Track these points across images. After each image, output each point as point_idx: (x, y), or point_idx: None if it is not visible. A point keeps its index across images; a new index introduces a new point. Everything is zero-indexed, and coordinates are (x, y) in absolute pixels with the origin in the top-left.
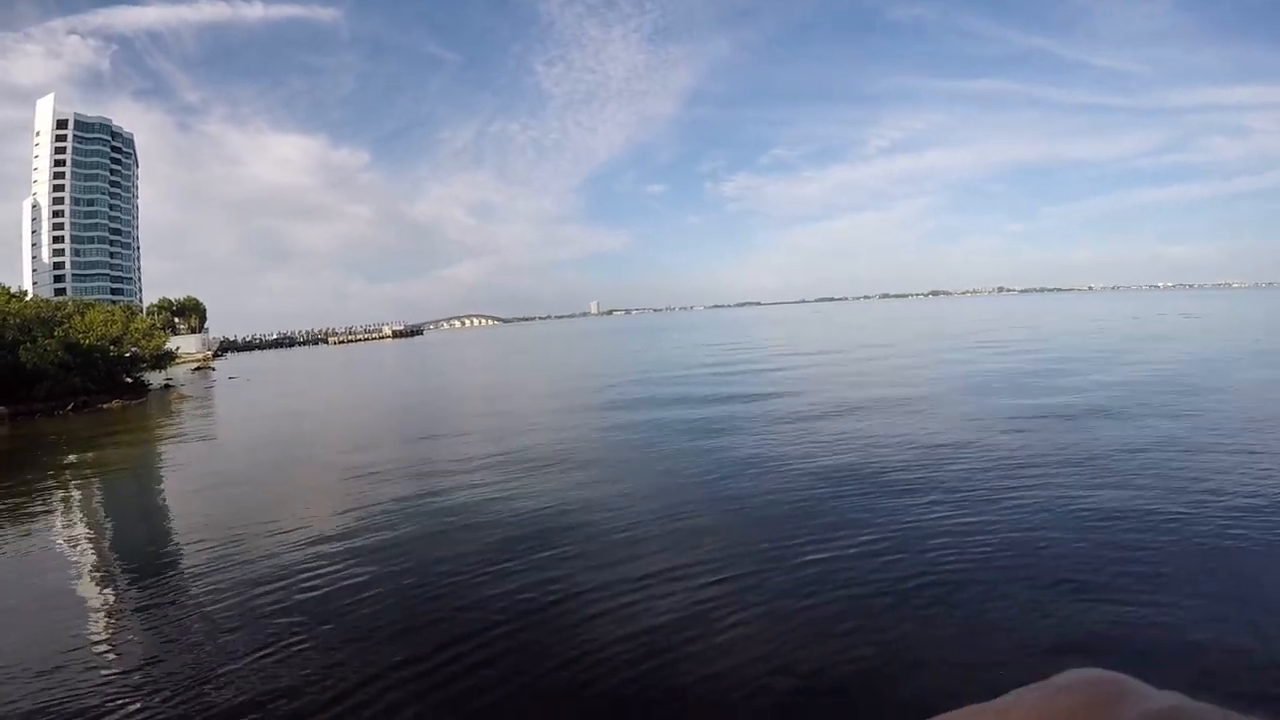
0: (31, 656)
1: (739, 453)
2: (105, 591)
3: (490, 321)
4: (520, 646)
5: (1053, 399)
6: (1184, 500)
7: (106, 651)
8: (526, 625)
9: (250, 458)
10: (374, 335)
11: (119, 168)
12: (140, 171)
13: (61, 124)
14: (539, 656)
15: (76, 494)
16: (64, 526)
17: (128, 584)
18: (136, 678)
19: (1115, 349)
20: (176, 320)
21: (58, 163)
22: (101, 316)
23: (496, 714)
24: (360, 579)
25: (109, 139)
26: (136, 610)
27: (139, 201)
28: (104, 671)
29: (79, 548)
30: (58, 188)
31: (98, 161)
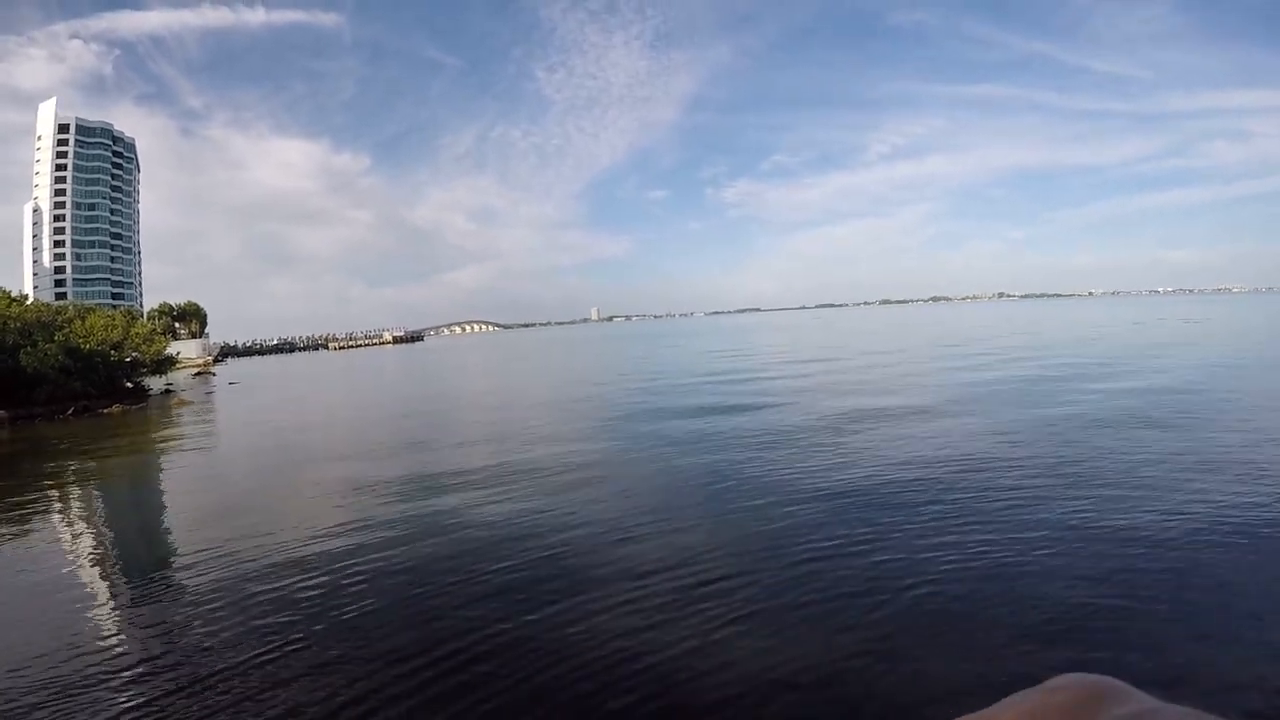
0: (32, 659)
1: (739, 461)
2: (105, 595)
3: (491, 327)
4: (518, 649)
5: (1054, 409)
6: (1179, 508)
7: (107, 654)
8: (525, 627)
9: (250, 463)
10: (374, 341)
11: (120, 172)
12: (142, 176)
13: (63, 128)
14: (537, 659)
15: (77, 498)
16: (64, 530)
17: (128, 588)
18: (137, 681)
19: (1118, 356)
20: (177, 325)
21: (59, 167)
22: (102, 321)
23: (494, 717)
24: (359, 582)
25: (110, 143)
26: (137, 614)
27: (140, 206)
28: (104, 674)
29: (80, 552)
30: (59, 192)
31: (99, 166)
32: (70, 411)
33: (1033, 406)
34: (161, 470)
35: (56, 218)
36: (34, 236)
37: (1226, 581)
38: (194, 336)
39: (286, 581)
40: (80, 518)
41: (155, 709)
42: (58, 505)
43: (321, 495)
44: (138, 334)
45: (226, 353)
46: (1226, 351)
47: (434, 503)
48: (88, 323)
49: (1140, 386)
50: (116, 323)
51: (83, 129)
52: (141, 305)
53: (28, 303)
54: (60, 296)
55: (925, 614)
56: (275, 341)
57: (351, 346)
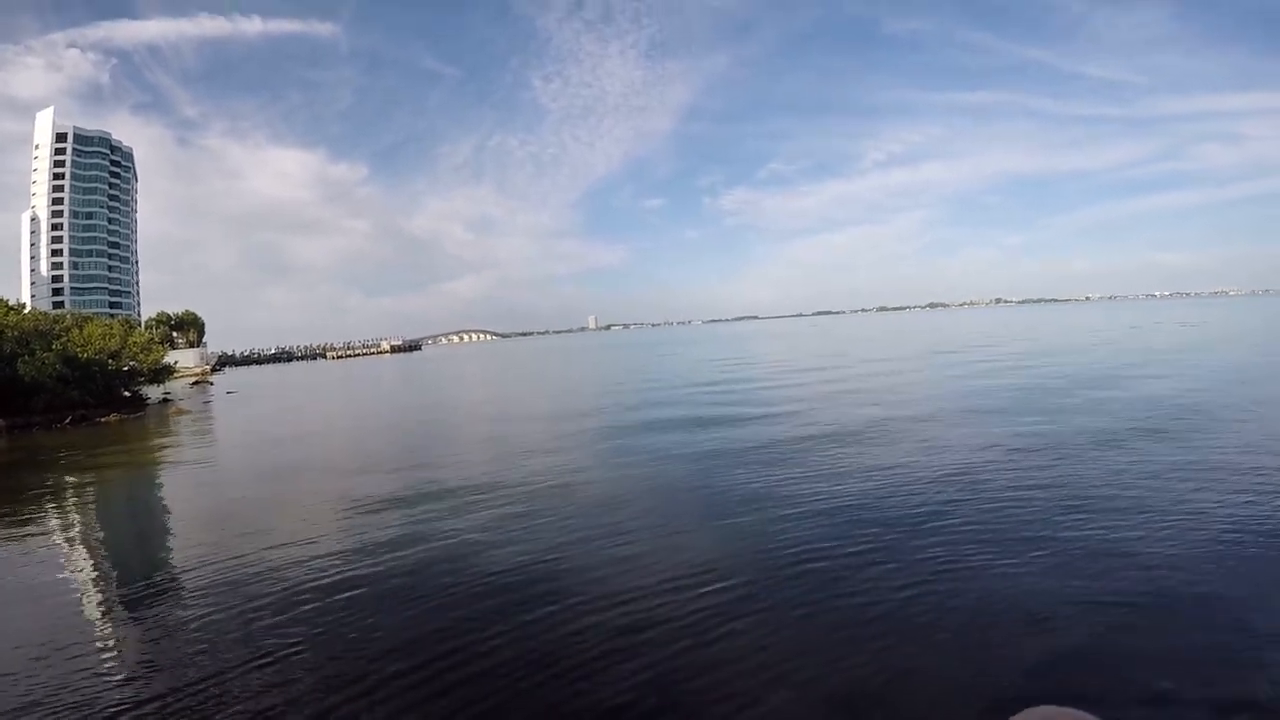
0: (30, 667)
1: (735, 469)
2: (103, 604)
3: (488, 336)
4: (516, 650)
5: (1052, 417)
6: (1178, 521)
7: (105, 663)
8: (522, 629)
9: (248, 472)
10: (372, 350)
11: (118, 181)
12: (139, 185)
13: (61, 137)
14: (535, 661)
15: (75, 508)
16: (63, 540)
17: (126, 596)
18: (135, 688)
19: (1116, 362)
20: (175, 334)
21: (57, 176)
22: (100, 330)
23: (493, 717)
24: (357, 588)
25: (108, 152)
26: (135, 621)
27: (137, 215)
28: (102, 683)
29: (78, 561)
30: (56, 201)
31: (96, 175)
32: (68, 420)
33: (1031, 415)
34: (159, 479)
35: (54, 226)
36: (31, 245)
37: (1231, 598)
38: (191, 345)
39: (285, 588)
40: (78, 527)
41: (154, 714)
42: (56, 515)
43: (319, 503)
44: (135, 343)
45: (224, 362)
46: (1227, 356)
47: (431, 510)
48: (85, 332)
49: (1138, 396)
50: (114, 331)
51: (80, 138)
52: (139, 314)
53: (25, 311)
54: (58, 305)
55: (920, 621)
56: (273, 351)
57: (349, 356)
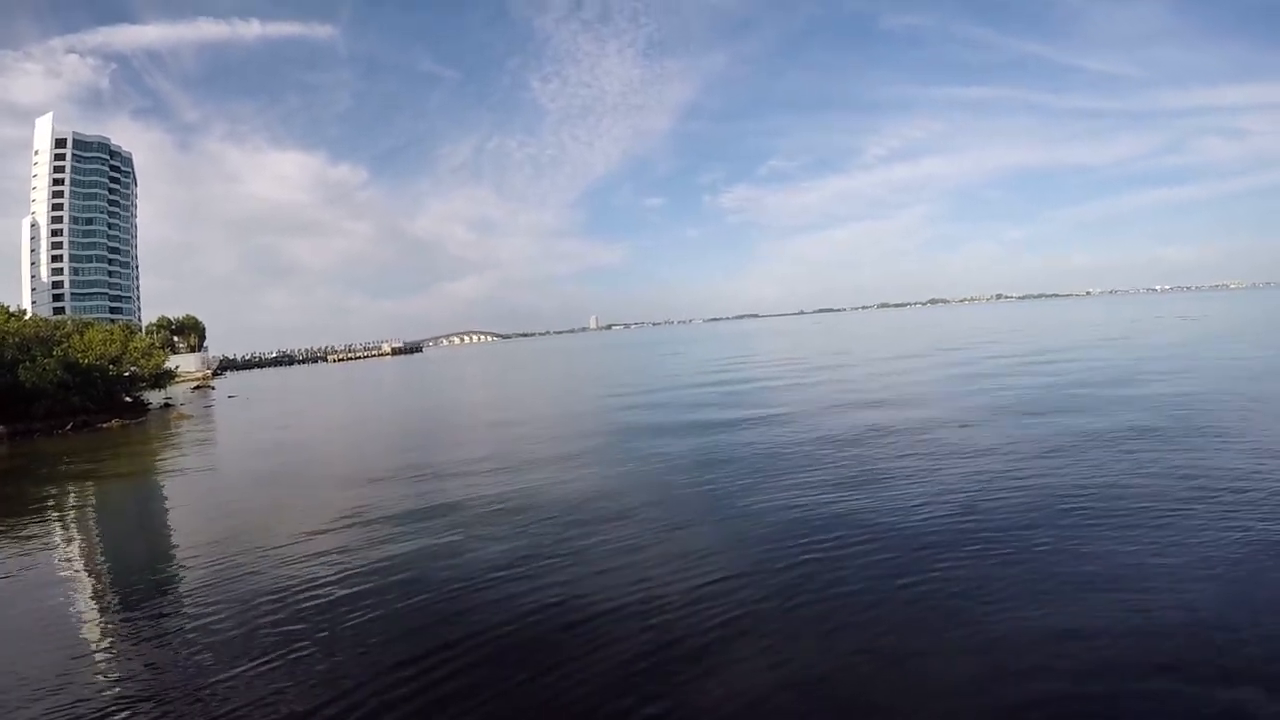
0: (33, 672)
1: (739, 472)
2: (106, 608)
3: (490, 337)
4: (520, 650)
5: (1054, 414)
6: (1176, 499)
7: (107, 666)
8: (526, 629)
9: (250, 476)
10: (374, 353)
11: (117, 186)
12: (139, 190)
13: (60, 143)
14: (538, 659)
15: (76, 513)
16: (64, 545)
17: (129, 600)
18: (138, 691)
19: (1124, 359)
20: (176, 339)
21: (56, 181)
22: (100, 335)
23: (497, 716)
24: (361, 591)
25: (107, 158)
26: (137, 625)
27: (138, 220)
28: (105, 686)
29: (80, 566)
30: (56, 206)
31: (96, 180)
32: (69, 426)
33: (1033, 412)
34: (161, 485)
35: (54, 232)
36: (31, 251)
37: (1244, 605)
38: (192, 350)
39: (288, 589)
40: (81, 533)
41: (157, 715)
42: (58, 521)
43: (321, 506)
44: (136, 348)
45: (225, 366)
46: (1227, 351)
47: (434, 510)
48: (86, 337)
49: (1147, 394)
50: (115, 337)
51: (80, 143)
52: (140, 319)
53: (26, 318)
54: (58, 311)
55: (922, 616)
56: (274, 354)
57: (351, 358)
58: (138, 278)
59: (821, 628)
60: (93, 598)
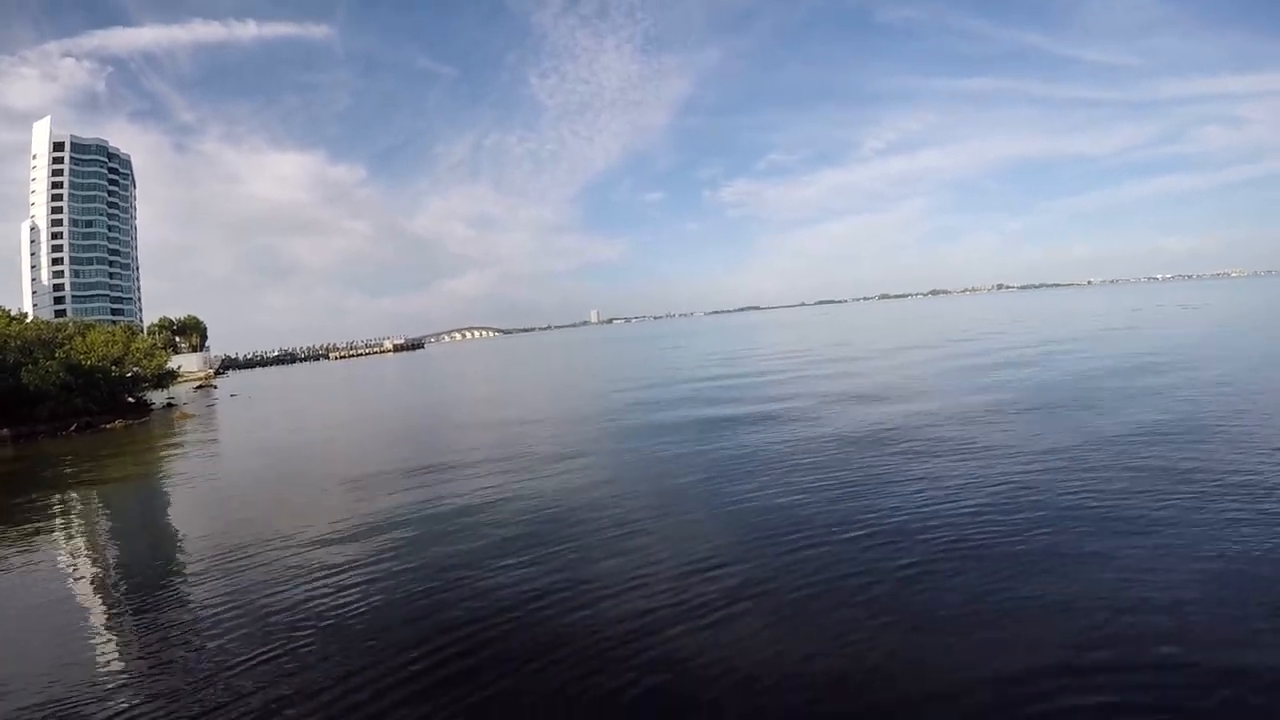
0: (42, 671)
1: (743, 466)
2: (113, 603)
3: (491, 333)
4: (526, 640)
5: (1057, 401)
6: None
7: (116, 658)
8: (532, 620)
9: (254, 473)
10: (375, 350)
11: (116, 189)
12: (138, 192)
13: (58, 146)
14: (544, 643)
15: (81, 514)
16: (71, 546)
17: (135, 595)
18: (145, 688)
19: (1126, 350)
20: (177, 339)
21: (55, 185)
22: (102, 337)
23: (506, 699)
24: (366, 582)
25: (106, 160)
26: (144, 623)
27: (137, 222)
28: (113, 677)
29: (86, 567)
30: (56, 210)
31: (95, 183)
32: (73, 428)
33: (1036, 401)
34: (165, 484)
35: (54, 235)
36: (32, 255)
37: (1238, 591)
38: (194, 350)
39: (293, 585)
40: (86, 533)
41: (166, 710)
42: (63, 522)
43: (326, 502)
44: (138, 349)
45: (227, 365)
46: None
47: (437, 508)
48: (88, 339)
49: (1145, 386)
50: (117, 338)
51: (78, 147)
52: (141, 320)
53: (27, 321)
54: (60, 314)
55: (920, 599)
56: (276, 353)
57: (352, 355)
58: (138, 279)
59: (820, 610)
60: (100, 593)
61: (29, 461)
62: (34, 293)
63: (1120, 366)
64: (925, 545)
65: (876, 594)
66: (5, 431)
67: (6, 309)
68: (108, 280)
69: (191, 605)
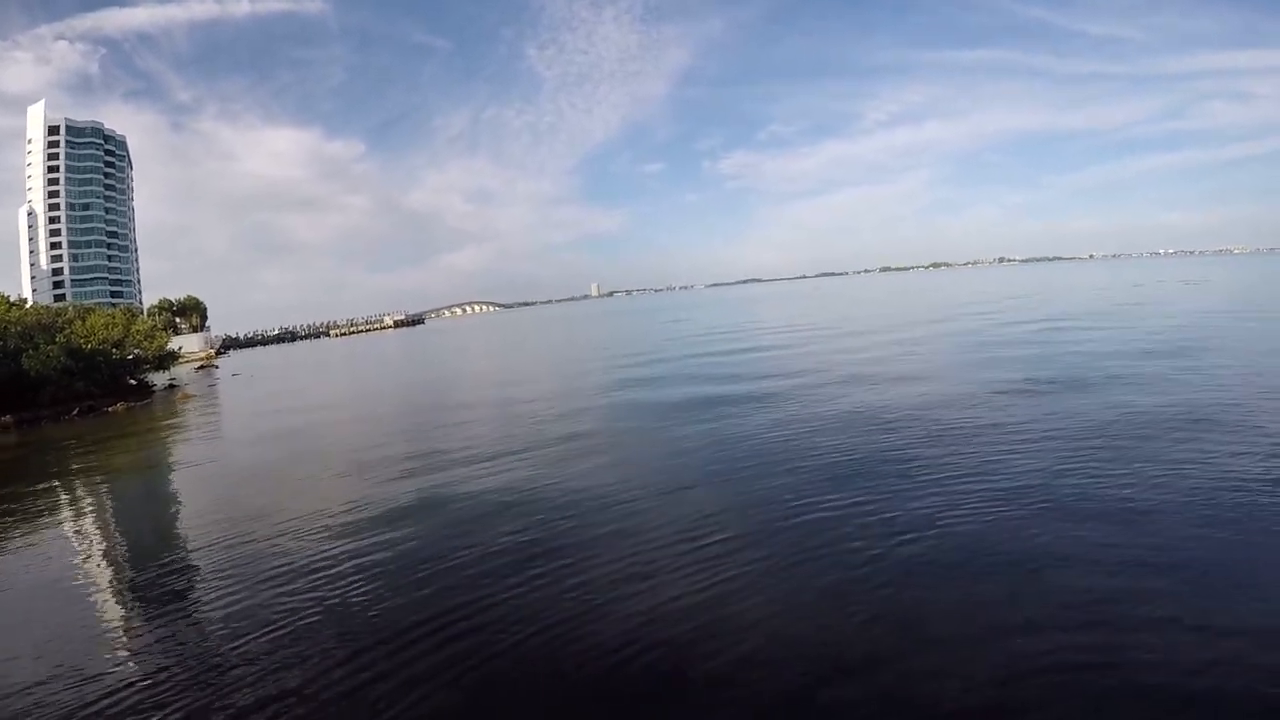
0: (49, 648)
1: (748, 445)
2: (118, 587)
3: (491, 308)
4: (527, 609)
5: (1061, 375)
6: (1190, 481)
7: (120, 639)
8: (533, 590)
9: (257, 454)
10: (375, 326)
11: (113, 171)
12: (134, 173)
13: (53, 130)
14: (546, 619)
15: (86, 498)
16: (74, 529)
17: (139, 578)
18: (150, 663)
19: (1121, 321)
20: (177, 320)
21: (51, 169)
22: (102, 320)
23: (509, 672)
24: (370, 561)
25: (101, 143)
26: (149, 601)
27: (134, 203)
28: (118, 660)
29: (91, 548)
30: (52, 194)
31: (91, 166)
32: (75, 412)
33: (1034, 376)
34: (168, 466)
35: (51, 220)
36: (30, 240)
37: (1246, 569)
38: (195, 330)
39: (298, 562)
40: (90, 516)
41: (171, 701)
42: (67, 506)
43: (329, 480)
44: (138, 331)
45: (228, 345)
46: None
47: (442, 486)
48: (88, 323)
49: (1139, 369)
50: (117, 321)
51: (73, 130)
52: (141, 302)
53: (27, 306)
54: (59, 298)
55: (922, 573)
56: (276, 331)
57: (353, 332)
58: (137, 261)
59: (814, 574)
60: (105, 574)
61: (32, 447)
62: (33, 278)
63: (1124, 349)
64: (922, 516)
65: (873, 560)
66: (8, 417)
67: (6, 295)
68: (106, 263)
69: (196, 584)
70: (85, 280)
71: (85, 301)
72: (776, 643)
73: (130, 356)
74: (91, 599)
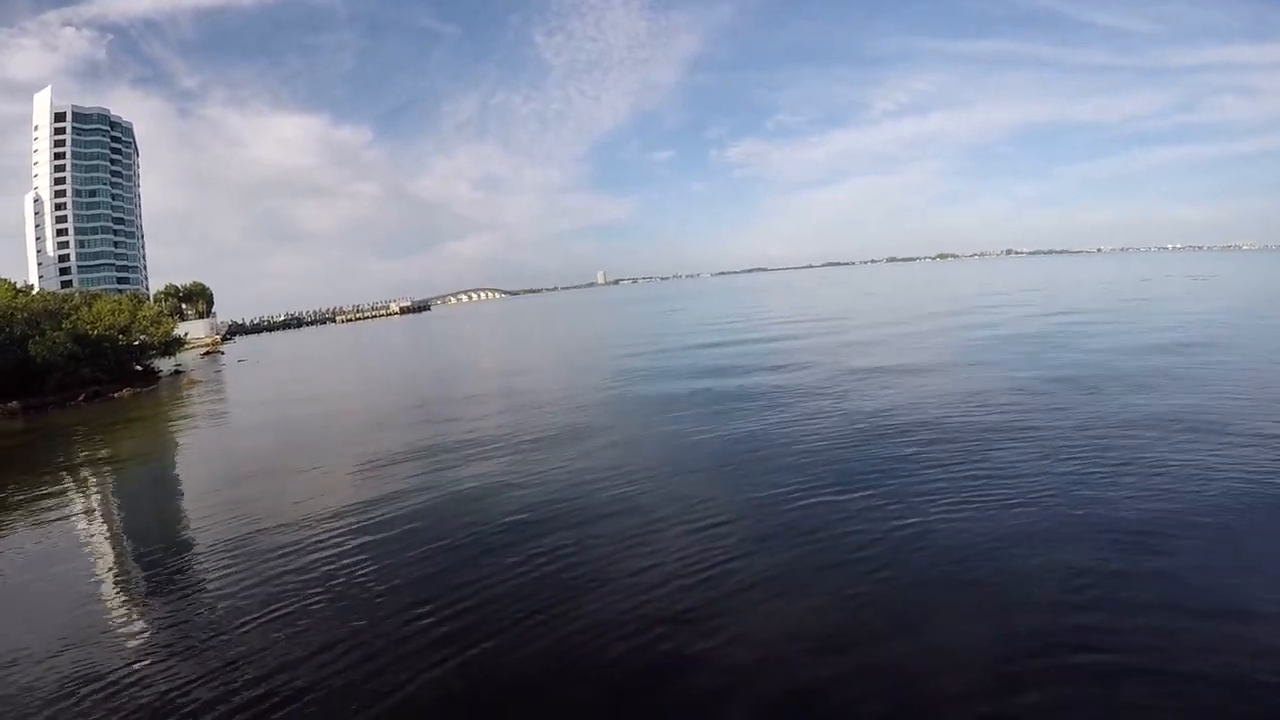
0: (56, 633)
1: (753, 433)
2: (124, 572)
3: (497, 295)
4: (530, 591)
5: (1075, 373)
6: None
7: (127, 626)
8: (535, 572)
9: (262, 439)
10: (382, 313)
11: (119, 157)
12: (141, 159)
13: (60, 116)
14: (547, 601)
15: (92, 483)
16: (80, 514)
17: (146, 563)
18: (157, 647)
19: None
20: (184, 306)
21: (58, 155)
22: (109, 306)
23: (510, 658)
24: (375, 542)
25: (108, 129)
26: (155, 586)
27: (141, 189)
28: (125, 643)
29: (98, 536)
30: (59, 180)
31: (98, 152)
32: (81, 398)
33: (1031, 364)
34: (174, 452)
35: (58, 206)
36: (36, 226)
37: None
38: (201, 316)
39: (302, 546)
40: (96, 502)
41: (175, 686)
42: (73, 490)
43: (333, 466)
44: (145, 317)
45: (234, 331)
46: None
47: (445, 472)
48: (94, 309)
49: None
50: (123, 307)
51: (79, 116)
52: (147, 288)
53: (34, 292)
54: (66, 284)
55: (925, 561)
56: (283, 317)
57: (359, 318)
58: (143, 247)
59: (817, 566)
60: (111, 559)
61: (38, 432)
62: (39, 264)
63: (1127, 344)
64: (922, 506)
65: (874, 552)
66: (14, 403)
67: (12, 281)
68: (113, 249)
69: (202, 569)
70: (91, 266)
71: (91, 287)
72: (775, 627)
73: (136, 342)
74: (97, 582)
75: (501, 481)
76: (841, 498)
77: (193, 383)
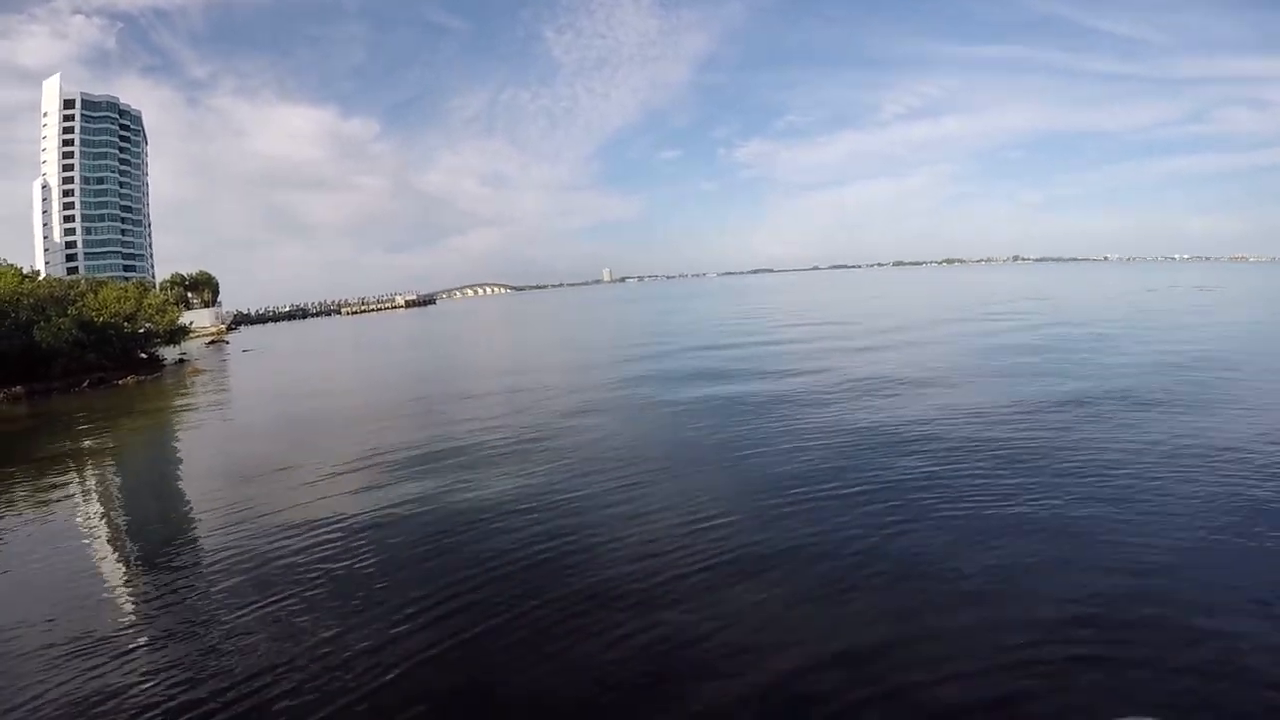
0: (58, 615)
1: (760, 438)
2: (125, 557)
3: (503, 290)
4: (524, 584)
5: (1091, 383)
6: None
7: (127, 609)
8: (537, 566)
9: (264, 428)
10: (386, 305)
11: (127, 145)
12: (149, 148)
13: (69, 104)
14: (550, 596)
15: (94, 469)
16: (82, 500)
17: (147, 548)
18: (157, 630)
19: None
20: (189, 295)
21: (66, 142)
22: (114, 294)
23: (508, 645)
24: (375, 531)
25: (117, 117)
26: (157, 570)
27: (148, 178)
28: (125, 627)
29: (99, 518)
30: (67, 167)
31: (106, 140)
32: (86, 384)
33: (1040, 373)
34: (178, 440)
35: (65, 193)
36: (43, 213)
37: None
38: (206, 305)
39: (303, 537)
40: (98, 487)
41: (176, 678)
42: (76, 476)
43: (336, 457)
44: (150, 305)
45: (240, 320)
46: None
47: (445, 458)
48: (100, 296)
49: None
50: (129, 295)
51: (88, 104)
52: (153, 276)
53: (40, 279)
54: (72, 271)
55: (916, 558)
56: (288, 308)
57: (364, 311)
58: (150, 235)
59: (811, 559)
60: (113, 544)
61: (43, 418)
62: (46, 250)
63: (1131, 355)
64: (918, 504)
65: (867, 548)
66: (19, 389)
67: (19, 267)
68: (120, 237)
69: (203, 553)
70: (98, 254)
71: (98, 275)
72: (773, 624)
73: (142, 330)
74: (99, 567)
75: (501, 473)
76: (842, 501)
77: (197, 371)
